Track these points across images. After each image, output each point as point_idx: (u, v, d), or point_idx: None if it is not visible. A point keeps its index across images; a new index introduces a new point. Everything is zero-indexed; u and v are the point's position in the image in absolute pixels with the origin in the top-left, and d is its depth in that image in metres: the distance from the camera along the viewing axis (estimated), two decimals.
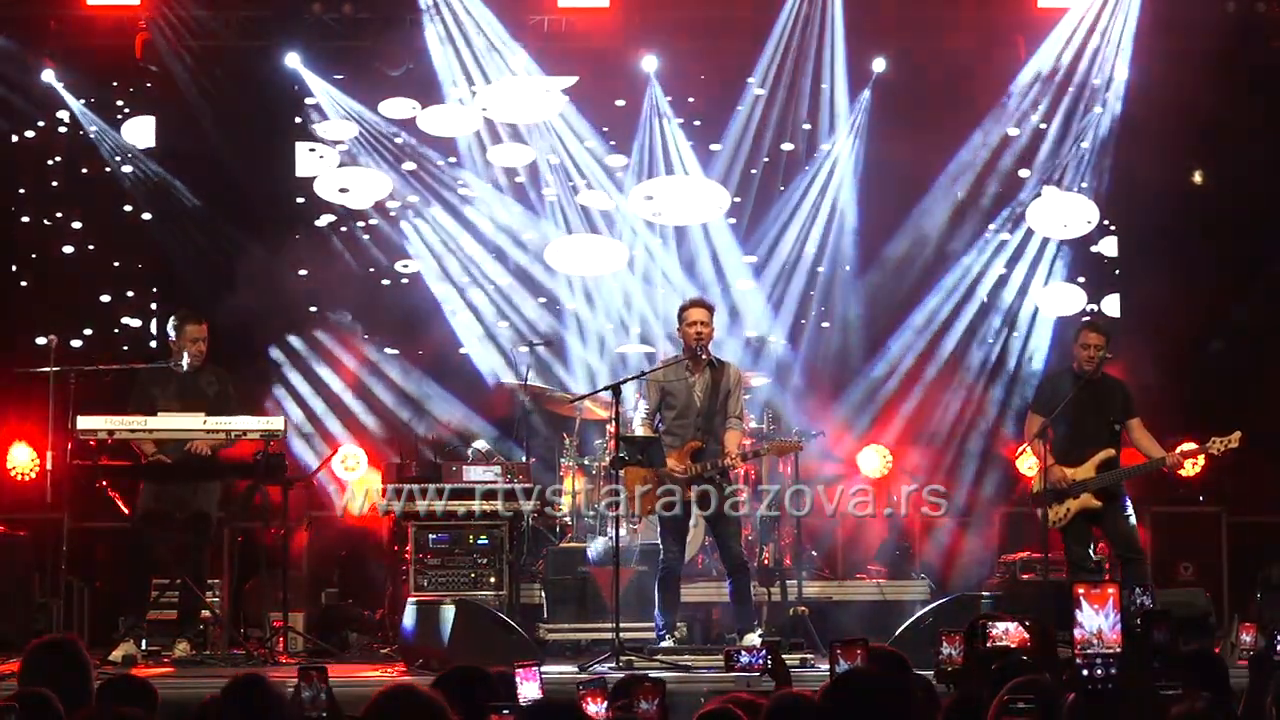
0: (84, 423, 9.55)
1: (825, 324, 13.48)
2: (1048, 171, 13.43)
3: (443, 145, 13.51)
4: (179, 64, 12.98)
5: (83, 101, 13.20)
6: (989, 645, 5.15)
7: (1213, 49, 12.71)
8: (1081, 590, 3.85)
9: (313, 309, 13.39)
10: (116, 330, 13.28)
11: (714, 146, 13.43)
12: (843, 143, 13.42)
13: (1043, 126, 13.37)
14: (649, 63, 13.29)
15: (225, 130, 13.10)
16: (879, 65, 13.24)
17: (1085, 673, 3.73)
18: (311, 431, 13.02)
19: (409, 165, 13.47)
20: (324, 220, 13.49)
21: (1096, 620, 3.75)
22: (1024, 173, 13.45)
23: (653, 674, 5.45)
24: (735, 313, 13.28)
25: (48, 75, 13.08)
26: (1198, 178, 13.50)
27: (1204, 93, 12.64)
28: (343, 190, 13.44)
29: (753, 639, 9.43)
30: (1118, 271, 13.45)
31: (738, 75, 13.32)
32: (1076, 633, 3.79)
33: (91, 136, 13.25)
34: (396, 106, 13.37)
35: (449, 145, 13.51)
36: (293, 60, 13.17)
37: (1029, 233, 13.46)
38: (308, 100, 13.30)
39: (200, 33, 12.92)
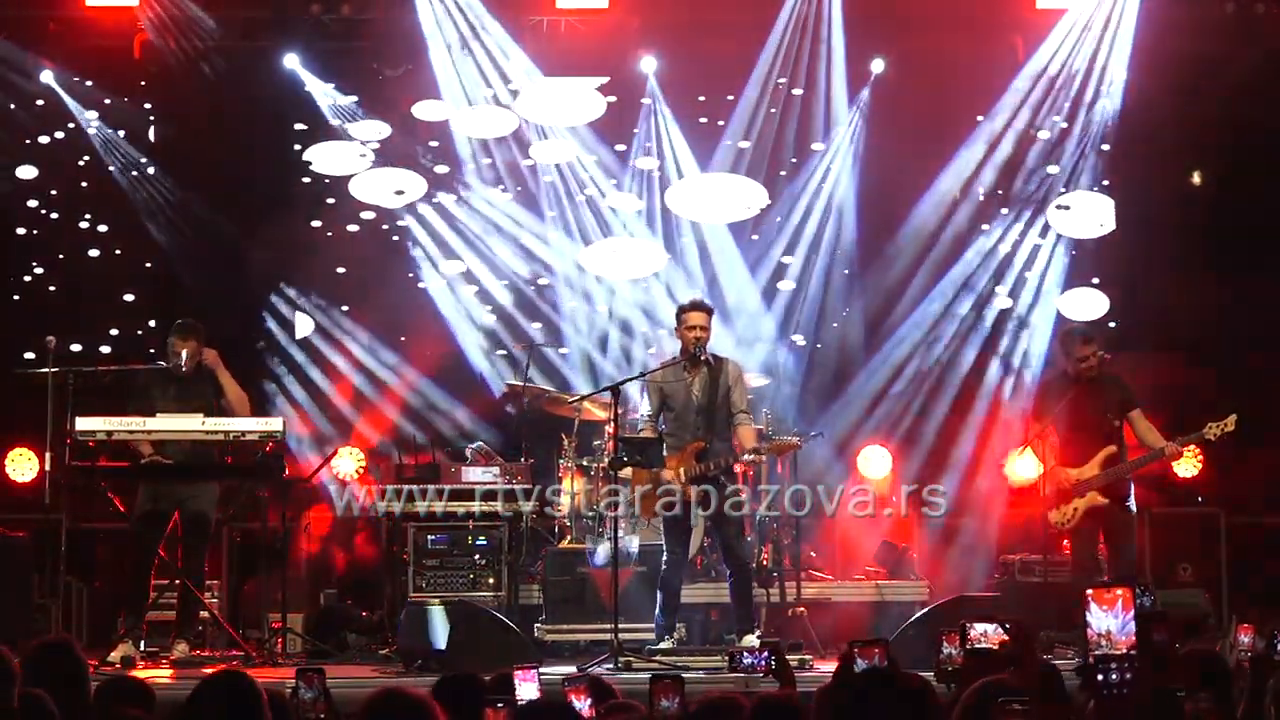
0: (83, 424, 9.54)
1: (825, 323, 13.49)
2: (1045, 171, 13.42)
3: (448, 147, 13.50)
4: (178, 65, 12.96)
5: (80, 102, 13.19)
6: (968, 647, 5.16)
7: (1212, 49, 12.71)
8: (1090, 592, 3.82)
9: (345, 308, 13.41)
10: (140, 332, 13.19)
11: (743, 144, 13.39)
12: (841, 143, 13.41)
13: (1041, 127, 13.35)
14: (648, 64, 13.28)
15: (224, 131, 13.10)
16: (877, 66, 13.23)
17: (1100, 677, 3.71)
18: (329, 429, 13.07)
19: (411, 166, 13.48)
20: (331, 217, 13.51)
21: (1105, 622, 3.73)
22: (1023, 172, 13.44)
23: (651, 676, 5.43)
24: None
25: (46, 76, 13.07)
26: (1196, 178, 13.50)
27: (1203, 93, 12.64)
28: (399, 192, 13.37)
29: (751, 640, 9.41)
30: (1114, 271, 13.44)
31: (737, 76, 13.30)
32: (1088, 635, 3.78)
33: (91, 138, 13.25)
34: (432, 108, 13.31)
35: (455, 147, 13.50)
36: (291, 61, 13.17)
37: (1025, 233, 13.45)
38: (337, 100, 13.31)
39: (199, 33, 12.90)
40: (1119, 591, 3.77)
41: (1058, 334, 10.55)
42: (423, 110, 13.32)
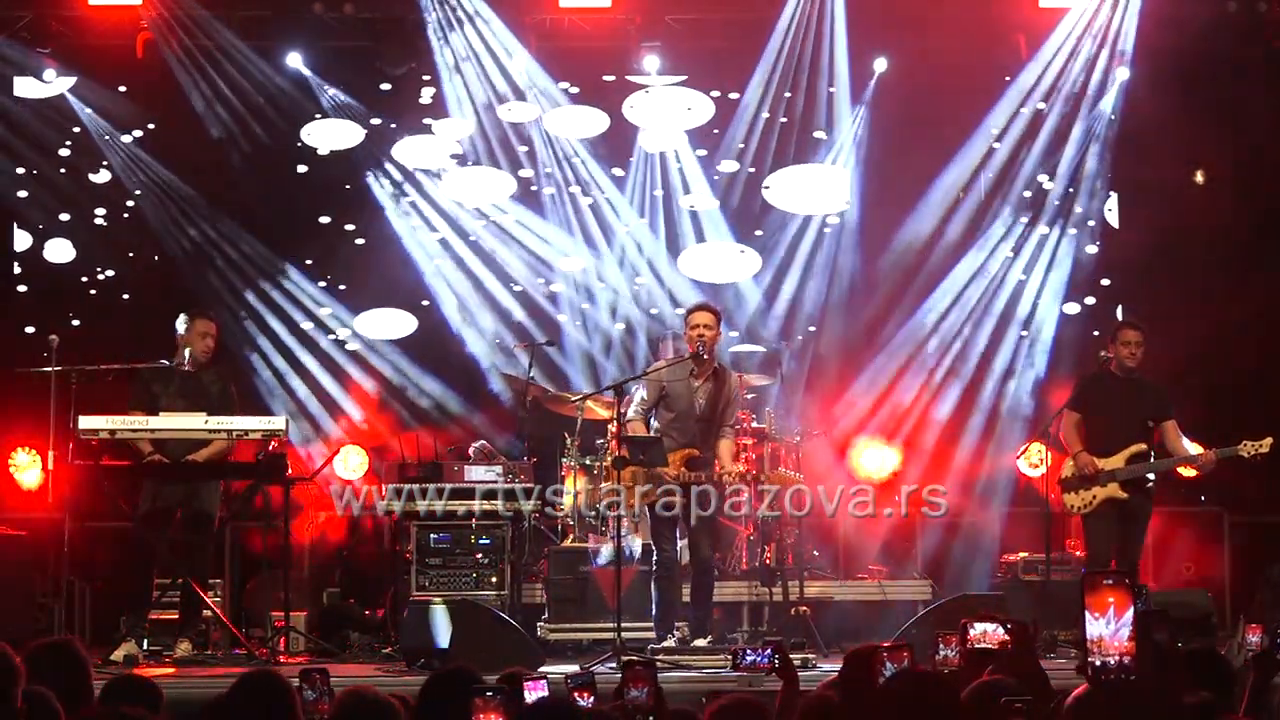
0: (86, 422, 9.53)
1: (827, 323, 13.49)
2: (1048, 170, 13.43)
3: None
4: (180, 64, 12.97)
5: (82, 101, 13.19)
6: (968, 647, 5.16)
7: (1213, 49, 12.71)
8: (1087, 598, 3.82)
9: (351, 308, 13.41)
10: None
11: (818, 134, 13.38)
12: (845, 141, 13.42)
13: (1043, 125, 13.36)
14: (650, 63, 13.29)
15: (225, 131, 13.11)
16: (880, 65, 13.24)
17: (1098, 663, 3.71)
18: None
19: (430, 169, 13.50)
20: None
21: (1097, 628, 3.72)
22: (1026, 170, 13.45)
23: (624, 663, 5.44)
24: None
25: (49, 75, 13.06)
26: (1199, 178, 13.50)
27: (1205, 92, 12.64)
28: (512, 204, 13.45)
29: (700, 644, 9.51)
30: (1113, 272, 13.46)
31: (739, 76, 13.31)
32: (1087, 634, 3.78)
33: (94, 138, 13.25)
34: (521, 111, 13.32)
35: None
36: (294, 60, 13.18)
37: (1028, 232, 13.46)
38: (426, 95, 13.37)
39: (201, 33, 12.91)
40: (1111, 598, 3.76)
41: (1113, 326, 10.56)
42: (509, 112, 13.31)
